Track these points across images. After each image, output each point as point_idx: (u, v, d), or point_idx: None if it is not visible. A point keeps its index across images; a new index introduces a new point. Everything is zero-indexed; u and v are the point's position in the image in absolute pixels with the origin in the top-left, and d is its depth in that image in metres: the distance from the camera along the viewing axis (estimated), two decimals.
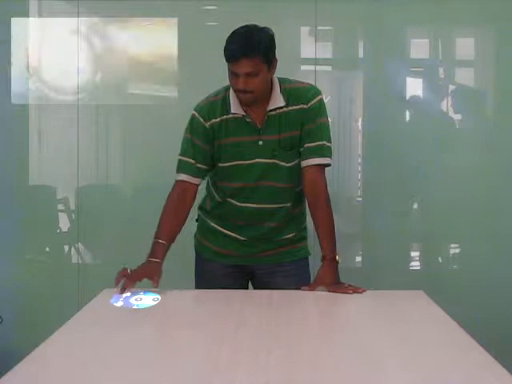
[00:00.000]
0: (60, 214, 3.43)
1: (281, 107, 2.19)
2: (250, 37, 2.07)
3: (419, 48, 3.38)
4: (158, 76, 3.33)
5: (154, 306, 1.92)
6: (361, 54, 3.36)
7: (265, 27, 2.12)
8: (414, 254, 3.45)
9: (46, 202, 3.45)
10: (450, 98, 3.32)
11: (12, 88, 3.32)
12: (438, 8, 3.16)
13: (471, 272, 3.26)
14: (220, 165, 2.24)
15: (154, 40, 3.31)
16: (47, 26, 3.34)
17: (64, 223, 3.40)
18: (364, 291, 2.08)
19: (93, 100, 3.32)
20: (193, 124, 2.24)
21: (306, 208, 2.31)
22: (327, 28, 3.33)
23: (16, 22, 3.33)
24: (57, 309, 2.72)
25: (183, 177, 2.24)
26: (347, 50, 3.39)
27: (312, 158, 2.19)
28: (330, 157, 2.22)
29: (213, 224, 2.35)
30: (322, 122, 2.22)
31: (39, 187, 3.44)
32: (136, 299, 1.96)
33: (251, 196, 2.24)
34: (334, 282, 2.13)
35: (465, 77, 3.37)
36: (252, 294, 2.20)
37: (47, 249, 3.44)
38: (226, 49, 2.09)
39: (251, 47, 2.05)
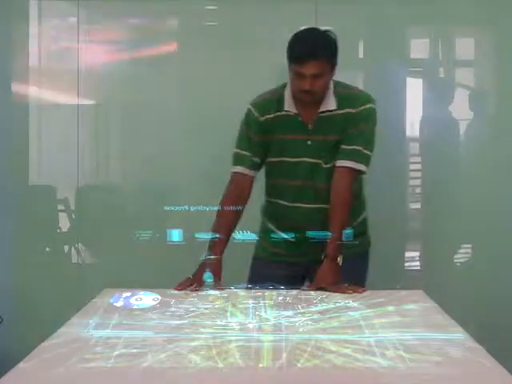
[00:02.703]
0: (60, 213, 3.43)
1: (331, 110, 2.22)
2: (317, 39, 2.15)
3: (419, 48, 3.38)
4: (158, 76, 3.33)
5: (153, 306, 1.92)
6: (361, 54, 3.36)
7: (327, 30, 2.19)
8: (414, 253, 3.44)
9: (46, 202, 3.45)
10: (450, 98, 3.33)
11: (12, 88, 3.32)
12: (438, 8, 3.16)
13: (471, 272, 3.26)
14: (268, 159, 2.30)
15: (154, 40, 3.31)
16: (47, 26, 3.34)
17: (64, 223, 3.40)
18: (364, 291, 2.09)
19: (93, 100, 3.32)
20: (248, 118, 2.30)
21: (357, 206, 2.35)
22: (327, 28, 3.32)
23: (16, 22, 3.33)
24: (57, 309, 2.72)
25: (239, 169, 2.30)
26: (347, 50, 3.38)
27: (343, 160, 2.22)
28: (364, 164, 2.23)
29: (265, 222, 2.40)
30: (366, 129, 2.24)
31: (39, 187, 3.44)
32: (136, 299, 1.96)
33: (297, 195, 2.28)
34: (334, 281, 2.13)
35: (465, 77, 3.37)
36: (253, 294, 2.19)
37: (47, 249, 3.44)
38: (292, 50, 2.14)
39: (320, 49, 2.12)
